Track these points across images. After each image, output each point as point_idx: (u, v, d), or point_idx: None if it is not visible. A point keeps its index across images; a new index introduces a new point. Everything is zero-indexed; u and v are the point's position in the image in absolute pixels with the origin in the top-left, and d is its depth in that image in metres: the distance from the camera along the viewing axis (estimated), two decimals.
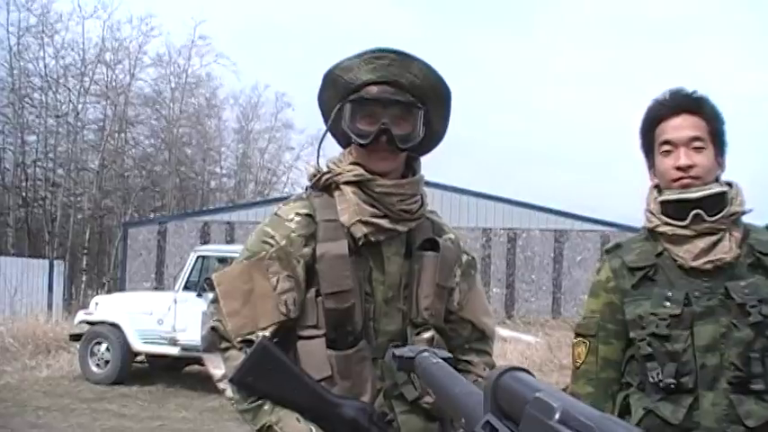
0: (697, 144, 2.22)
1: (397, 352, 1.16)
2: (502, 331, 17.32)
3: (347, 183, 2.10)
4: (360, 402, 1.97)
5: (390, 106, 2.07)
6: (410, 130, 2.10)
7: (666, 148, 2.26)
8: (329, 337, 2.03)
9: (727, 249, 2.19)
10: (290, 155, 49.39)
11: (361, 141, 2.07)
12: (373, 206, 2.08)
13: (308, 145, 43.89)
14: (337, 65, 2.12)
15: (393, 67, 2.08)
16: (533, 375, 0.77)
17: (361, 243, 2.06)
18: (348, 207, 2.07)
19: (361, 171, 2.09)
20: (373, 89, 2.08)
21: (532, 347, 15.17)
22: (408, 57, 2.09)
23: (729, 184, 2.28)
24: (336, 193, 2.11)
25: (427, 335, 2.12)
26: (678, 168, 2.22)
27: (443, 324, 2.19)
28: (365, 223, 2.06)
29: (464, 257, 2.28)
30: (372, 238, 2.07)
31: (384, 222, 2.08)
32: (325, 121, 2.22)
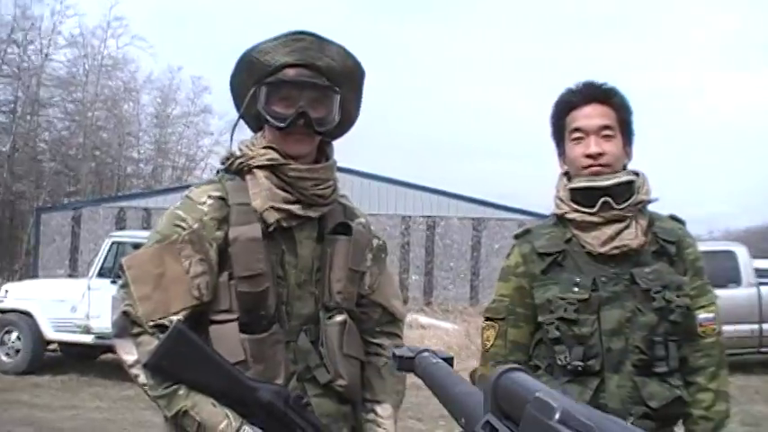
0: (607, 132, 2.28)
1: (398, 352, 1.15)
2: (420, 318, 17.44)
3: (260, 167, 2.08)
4: (275, 386, 1.97)
5: (307, 89, 2.07)
6: (326, 114, 2.11)
7: (577, 135, 2.31)
8: (242, 321, 2.02)
9: (633, 236, 2.25)
10: (208, 140, 48.72)
11: (279, 124, 2.07)
12: (286, 191, 2.07)
13: (226, 130, 42.95)
14: (254, 47, 2.10)
15: (311, 50, 2.08)
16: (532, 375, 0.78)
17: (272, 229, 2.06)
18: (260, 192, 2.06)
19: (274, 155, 2.08)
20: (290, 72, 2.08)
21: (450, 334, 15.31)
22: (325, 40, 2.10)
23: (636, 174, 2.34)
24: (248, 177, 2.10)
25: (339, 318, 2.14)
26: (588, 156, 2.27)
27: (355, 307, 2.21)
28: (278, 209, 2.05)
29: (375, 242, 2.30)
30: (285, 224, 2.07)
31: (296, 208, 2.08)
32: (238, 104, 2.21)
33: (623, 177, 2.27)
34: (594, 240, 2.26)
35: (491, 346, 2.38)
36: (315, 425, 1.95)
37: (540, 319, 2.29)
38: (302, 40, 2.08)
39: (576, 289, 2.24)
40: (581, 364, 2.20)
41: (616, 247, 2.24)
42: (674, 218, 2.42)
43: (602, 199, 2.24)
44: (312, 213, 2.12)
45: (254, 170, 2.09)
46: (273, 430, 1.90)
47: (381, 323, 2.31)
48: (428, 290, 24.80)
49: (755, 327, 11.66)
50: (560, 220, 2.36)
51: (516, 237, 2.46)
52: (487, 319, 2.42)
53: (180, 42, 73.48)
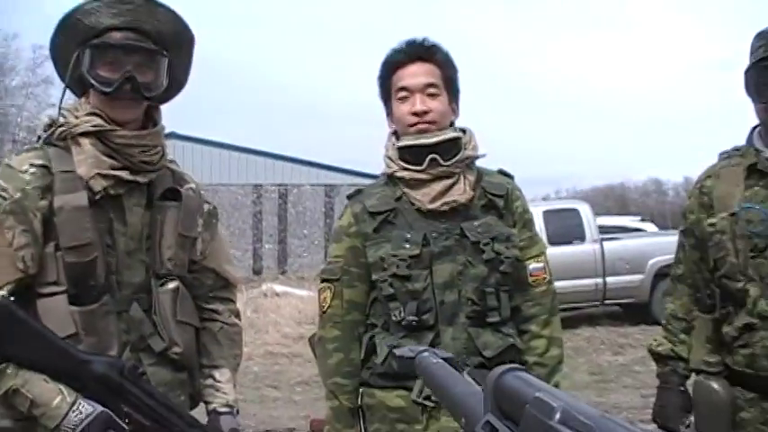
0: (431, 90, 2.31)
1: (398, 352, 1.14)
2: (275, 287, 17.35)
3: (85, 134, 2.01)
4: (109, 357, 1.93)
5: (134, 53, 2.02)
6: (154, 79, 2.05)
7: (403, 94, 2.33)
8: (71, 292, 1.96)
9: (461, 192, 2.29)
10: (51, 111, 46.37)
11: (105, 89, 1.99)
12: (112, 157, 2.01)
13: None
14: (77, 8, 2.01)
15: (138, 12, 2.01)
16: (531, 374, 0.77)
17: (99, 197, 1.99)
18: (86, 159, 1.99)
19: (99, 121, 2.01)
20: (116, 35, 2.01)
21: (306, 301, 15.26)
22: (153, 2, 2.04)
23: (463, 131, 2.38)
24: (73, 145, 2.02)
25: (172, 285, 2.11)
26: (414, 114, 2.30)
27: (187, 274, 2.19)
28: (104, 176, 1.99)
29: (206, 206, 2.27)
30: (112, 192, 2.01)
31: (124, 174, 2.02)
32: (61, 70, 2.11)
33: (449, 134, 2.31)
34: (424, 197, 2.29)
35: (328, 307, 2.39)
36: (152, 394, 1.92)
37: (374, 277, 2.31)
38: (129, 2, 2.01)
39: (408, 245, 2.27)
40: (415, 318, 2.24)
41: (445, 203, 2.28)
42: (502, 172, 2.47)
43: (430, 156, 2.27)
44: (140, 179, 2.06)
45: (79, 137, 2.01)
46: (110, 403, 1.85)
47: (215, 288, 2.30)
48: (282, 258, 24.70)
49: (599, 281, 12.14)
50: (391, 179, 2.38)
51: (348, 197, 2.47)
52: (323, 280, 2.43)
53: (18, 9, 69.66)
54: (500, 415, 0.76)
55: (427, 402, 2.21)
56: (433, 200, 2.28)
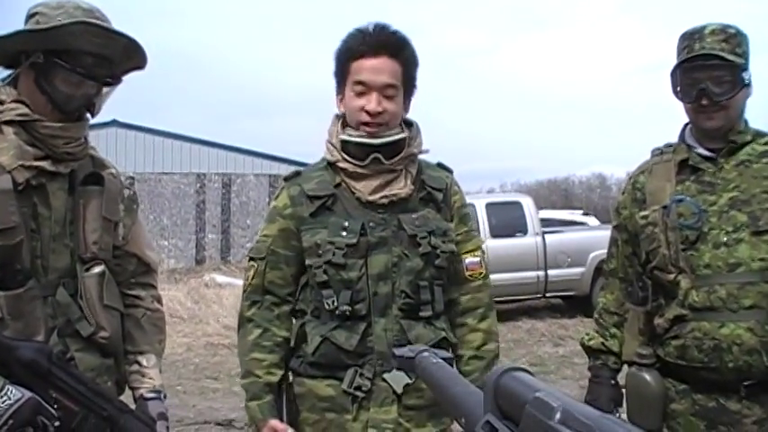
0: (390, 92, 2.25)
1: (398, 352, 1.15)
2: (218, 277, 17.26)
3: (8, 122, 1.98)
4: (36, 343, 1.90)
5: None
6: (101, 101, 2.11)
7: (360, 88, 2.26)
8: None
9: (402, 186, 2.28)
10: None
11: (63, 108, 2.02)
12: (36, 146, 2.00)
13: None
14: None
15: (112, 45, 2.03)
16: (533, 374, 0.77)
17: (21, 188, 1.97)
18: (8, 148, 1.96)
19: (25, 110, 1.99)
20: (88, 60, 2.01)
21: None
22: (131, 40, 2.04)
23: (410, 124, 2.37)
24: None
25: (97, 269, 2.11)
26: (368, 113, 2.24)
27: (112, 259, 2.18)
28: (27, 167, 1.97)
29: (126, 192, 2.26)
30: (34, 182, 1.99)
31: (46, 164, 2.01)
32: None
33: (395, 137, 2.27)
34: (364, 189, 2.27)
35: (248, 285, 2.37)
36: (81, 380, 1.92)
37: (307, 262, 2.28)
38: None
39: (345, 233, 2.24)
40: (348, 308, 2.22)
41: (385, 196, 2.26)
42: (441, 166, 2.46)
43: (373, 155, 2.25)
44: (62, 169, 2.06)
45: (2, 125, 1.99)
46: (38, 388, 1.82)
47: (137, 274, 2.31)
48: (225, 248, 24.52)
49: (541, 273, 12.26)
50: (331, 165, 2.34)
51: (286, 179, 2.43)
52: (250, 258, 2.40)
53: None
54: (500, 415, 0.76)
55: (357, 393, 2.21)
56: (374, 192, 2.26)
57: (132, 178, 21.58)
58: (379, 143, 2.24)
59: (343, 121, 2.35)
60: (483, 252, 2.44)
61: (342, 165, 2.29)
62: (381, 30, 2.27)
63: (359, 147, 2.26)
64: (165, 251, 22.68)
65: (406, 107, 2.35)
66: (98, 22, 1.99)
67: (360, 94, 2.25)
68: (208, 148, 24.99)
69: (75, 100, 2.02)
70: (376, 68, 2.24)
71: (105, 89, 2.10)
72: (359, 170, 2.27)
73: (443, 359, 1.07)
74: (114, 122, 22.83)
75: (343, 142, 2.29)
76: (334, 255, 2.22)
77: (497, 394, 0.76)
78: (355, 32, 2.28)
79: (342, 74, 2.31)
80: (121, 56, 2.06)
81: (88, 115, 2.13)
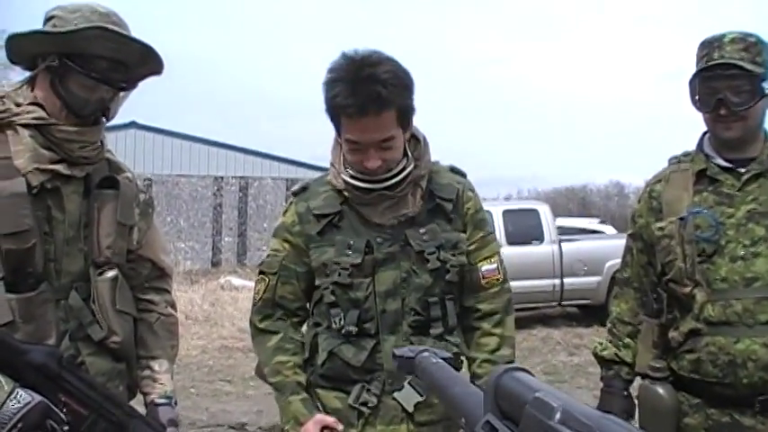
0: (387, 144, 2.14)
1: (398, 352, 1.15)
2: (233, 280, 17.25)
3: (25, 125, 1.99)
4: (47, 347, 1.90)
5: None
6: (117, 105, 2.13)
7: (354, 146, 2.15)
8: (8, 280, 1.94)
9: (410, 206, 2.23)
10: None
11: (79, 112, 2.02)
12: (51, 150, 2.00)
13: None
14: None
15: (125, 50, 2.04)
16: (533, 375, 0.77)
17: (36, 191, 1.97)
18: (24, 151, 1.97)
19: (42, 113, 2.00)
20: (103, 64, 2.01)
21: None
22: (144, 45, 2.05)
23: (418, 139, 2.28)
24: (9, 132, 1.99)
25: (111, 274, 2.11)
26: (367, 167, 2.15)
27: (126, 263, 2.18)
28: (42, 171, 1.98)
29: (141, 196, 2.26)
30: (49, 186, 2.00)
31: (61, 168, 2.01)
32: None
33: (399, 176, 2.19)
34: (372, 212, 2.22)
35: (259, 299, 2.34)
36: (91, 384, 1.91)
37: (317, 282, 2.26)
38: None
39: (350, 252, 2.20)
40: (356, 327, 2.19)
41: (394, 217, 2.22)
42: (454, 170, 2.39)
43: (378, 193, 2.20)
44: (77, 173, 2.06)
45: (18, 127, 1.99)
46: (48, 392, 1.81)
47: (151, 278, 2.31)
48: (241, 251, 24.56)
49: (557, 281, 12.19)
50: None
51: (294, 194, 2.38)
52: (260, 272, 2.37)
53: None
54: (500, 415, 0.76)
55: (363, 408, 2.19)
56: (381, 215, 2.21)
57: (150, 180, 21.69)
58: (383, 186, 2.18)
59: (344, 156, 2.24)
60: (500, 257, 2.38)
61: (347, 193, 2.23)
62: (366, 83, 2.05)
63: (362, 188, 2.20)
64: (182, 253, 22.73)
65: (406, 131, 2.21)
66: (114, 27, 1.99)
67: (355, 151, 2.15)
68: (226, 150, 25.07)
69: (90, 104, 2.02)
70: (365, 129, 2.09)
71: (121, 94, 2.10)
72: (363, 198, 2.22)
73: (443, 359, 1.06)
74: (133, 124, 22.94)
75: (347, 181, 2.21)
76: (339, 275, 2.19)
77: (497, 394, 0.76)
78: (339, 79, 2.09)
79: (333, 121, 2.19)
80: (137, 61, 2.06)
81: (104, 119, 2.13)
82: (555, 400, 0.65)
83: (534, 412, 0.66)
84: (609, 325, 2.61)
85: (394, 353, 1.17)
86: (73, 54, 1.98)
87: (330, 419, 2.18)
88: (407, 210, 2.22)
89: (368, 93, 2.04)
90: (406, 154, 2.23)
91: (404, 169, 2.20)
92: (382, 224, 2.21)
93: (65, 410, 1.83)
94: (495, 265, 2.35)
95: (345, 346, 2.20)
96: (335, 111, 2.12)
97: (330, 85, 2.11)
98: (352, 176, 2.21)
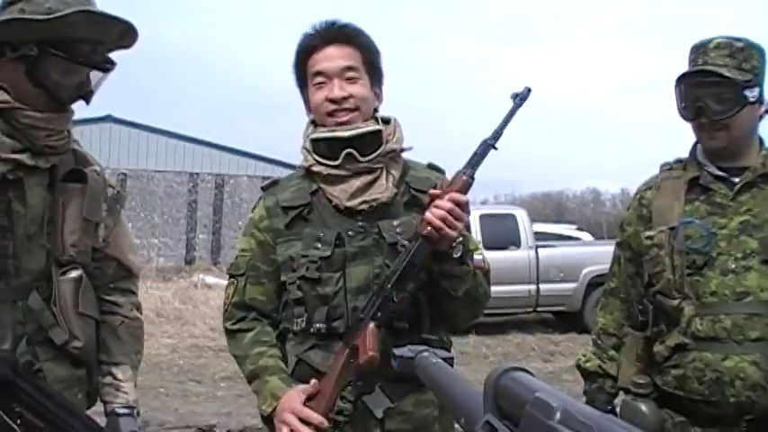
0: (351, 74, 2.12)
1: (397, 352, 1.14)
2: (207, 278, 17.19)
3: None
4: (1, 352, 1.83)
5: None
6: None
7: (319, 80, 2.12)
8: None
9: (383, 189, 2.10)
10: None
11: (60, 97, 1.94)
12: (14, 138, 1.88)
13: None
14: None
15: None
16: (533, 375, 0.77)
17: None
18: None
19: (6, 97, 1.88)
20: (85, 48, 1.92)
21: None
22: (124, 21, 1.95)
23: (387, 121, 2.19)
24: None
25: (74, 274, 1.99)
26: (332, 101, 2.10)
27: (90, 262, 2.07)
28: (4, 160, 1.86)
29: (110, 191, 2.15)
30: (10, 176, 1.88)
31: (24, 158, 1.89)
32: None
33: (366, 128, 2.11)
34: (342, 194, 2.10)
35: (229, 303, 2.21)
36: (48, 393, 1.80)
37: (282, 278, 2.13)
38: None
39: (319, 245, 2.08)
40: (323, 326, 2.05)
41: (365, 201, 2.09)
42: (431, 166, 2.29)
43: (346, 151, 2.08)
44: (42, 164, 1.94)
45: None
46: (1, 402, 1.73)
47: (116, 279, 2.19)
48: (216, 249, 24.45)
49: (533, 287, 12.21)
50: (308, 171, 2.18)
51: (263, 189, 2.28)
52: (230, 276, 2.25)
53: None
54: (499, 415, 0.76)
55: (338, 417, 2.04)
56: (352, 197, 2.09)
57: (125, 174, 21.50)
58: (351, 135, 2.08)
59: (315, 124, 2.20)
60: (481, 248, 2.26)
61: (316, 168, 2.12)
62: (330, 22, 2.19)
63: (330, 143, 2.10)
64: (155, 249, 22.58)
65: (377, 96, 2.21)
66: (97, 9, 1.90)
67: (320, 86, 2.12)
68: (202, 147, 24.97)
69: (73, 89, 1.93)
70: (330, 56, 2.12)
71: (100, 75, 1.99)
72: (334, 171, 2.09)
73: (443, 359, 1.06)
74: (109, 118, 22.75)
75: (314, 142, 2.14)
76: (307, 269, 2.06)
77: (497, 394, 0.77)
78: (303, 35, 2.19)
79: (302, 77, 2.19)
80: (115, 39, 1.97)
81: (74, 107, 2.02)
82: (555, 399, 0.65)
83: (534, 412, 0.67)
84: (593, 336, 2.53)
85: (393, 353, 1.15)
86: (53, 40, 1.86)
87: (312, 389, 2.00)
88: (380, 194, 2.09)
89: (333, 28, 2.17)
90: (375, 118, 2.16)
91: (374, 130, 2.12)
92: (352, 209, 2.08)
93: (19, 422, 1.73)
94: (481, 257, 2.21)
95: (313, 352, 2.07)
96: (302, 54, 2.16)
97: (299, 41, 2.19)
98: (319, 138, 2.13)
